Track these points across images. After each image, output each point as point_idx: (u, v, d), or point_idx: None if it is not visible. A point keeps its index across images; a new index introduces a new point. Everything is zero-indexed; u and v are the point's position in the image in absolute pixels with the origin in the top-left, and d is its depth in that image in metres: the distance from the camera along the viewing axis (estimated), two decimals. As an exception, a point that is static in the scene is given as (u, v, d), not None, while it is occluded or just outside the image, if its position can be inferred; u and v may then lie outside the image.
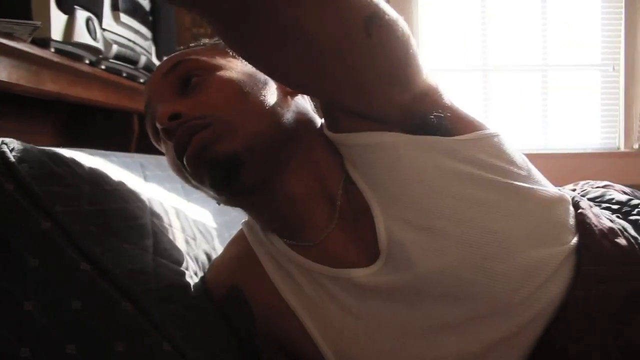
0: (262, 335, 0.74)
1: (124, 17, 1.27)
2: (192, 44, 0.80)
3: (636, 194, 1.36)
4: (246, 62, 0.67)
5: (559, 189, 0.79)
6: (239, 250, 0.80)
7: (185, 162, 0.67)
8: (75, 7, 1.03)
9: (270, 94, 0.71)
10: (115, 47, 1.20)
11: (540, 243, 0.63)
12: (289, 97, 0.74)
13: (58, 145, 0.80)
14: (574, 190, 1.04)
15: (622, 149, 2.56)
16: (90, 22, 1.07)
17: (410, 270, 0.63)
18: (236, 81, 0.70)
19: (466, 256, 0.61)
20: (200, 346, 0.66)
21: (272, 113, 0.70)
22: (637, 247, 0.66)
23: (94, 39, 1.07)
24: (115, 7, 1.24)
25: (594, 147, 2.57)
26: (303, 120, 0.74)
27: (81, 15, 1.04)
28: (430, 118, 0.66)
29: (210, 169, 0.66)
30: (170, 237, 0.85)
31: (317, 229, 0.71)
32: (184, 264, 0.81)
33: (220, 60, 0.73)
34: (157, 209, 0.88)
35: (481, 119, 0.74)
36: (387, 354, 0.66)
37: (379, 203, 0.66)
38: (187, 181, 0.73)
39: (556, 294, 0.62)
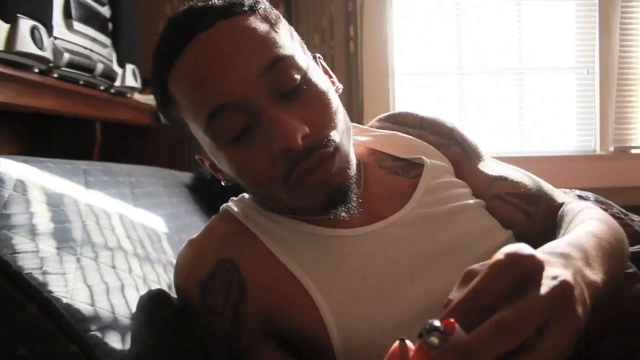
0: (251, 312, 0.73)
1: (77, 25, 1.26)
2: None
3: (600, 199, 1.36)
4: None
5: None
6: (229, 229, 0.80)
7: (297, 180, 0.69)
8: (19, 15, 1.02)
9: (337, 99, 0.75)
10: (67, 56, 1.19)
11: None
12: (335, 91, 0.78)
13: (18, 154, 0.80)
14: None
15: (598, 151, 2.57)
16: (35, 31, 1.06)
17: None
18: (328, 94, 0.72)
19: None
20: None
21: (349, 130, 0.76)
22: None
23: (40, 48, 1.06)
24: (68, 15, 1.23)
25: (570, 150, 2.57)
26: (348, 120, 0.78)
27: (25, 24, 1.04)
28: None
29: (331, 193, 0.71)
30: (112, 240, 0.86)
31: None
32: (124, 265, 0.82)
33: (301, 55, 0.72)
34: (97, 213, 0.88)
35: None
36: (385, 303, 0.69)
37: None
38: (277, 185, 0.71)
39: None
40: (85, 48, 1.32)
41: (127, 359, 0.66)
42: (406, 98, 2.50)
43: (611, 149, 2.55)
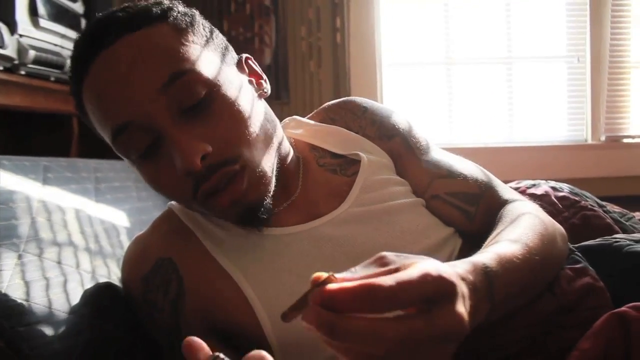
0: (190, 309, 0.75)
1: (44, 22, 1.28)
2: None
3: (575, 190, 1.34)
4: (217, 56, 0.72)
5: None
6: (170, 227, 0.81)
7: (204, 199, 0.69)
8: (-23, 14, 1.03)
9: (257, 106, 0.74)
10: (32, 53, 1.20)
11: None
12: (260, 97, 0.77)
13: None
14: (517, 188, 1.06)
15: (590, 141, 2.55)
16: (-5, 29, 1.07)
17: None
18: (240, 106, 0.70)
19: None
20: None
21: (271, 138, 0.75)
22: None
23: (1, 46, 1.08)
24: (33, 13, 1.24)
25: (561, 140, 2.55)
26: (272, 127, 0.77)
27: (-16, 22, 1.05)
28: None
29: (242, 213, 0.71)
30: (62, 235, 0.88)
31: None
32: (71, 261, 0.84)
33: (211, 66, 0.70)
34: (50, 209, 0.90)
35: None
36: None
37: None
38: (188, 202, 0.72)
39: None
40: (55, 45, 1.33)
41: (56, 353, 0.68)
42: (394, 89, 2.49)
43: (603, 138, 2.52)
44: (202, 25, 0.73)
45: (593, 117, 2.53)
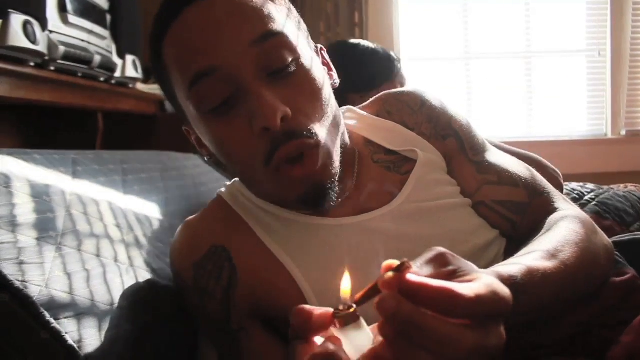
0: (240, 295, 0.76)
1: (73, 19, 1.29)
2: None
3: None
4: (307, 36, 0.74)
5: None
6: (222, 215, 0.82)
7: (279, 169, 0.68)
8: (10, 11, 1.04)
9: (331, 92, 0.75)
10: (62, 49, 1.22)
11: None
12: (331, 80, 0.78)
13: (22, 146, 0.82)
14: None
15: (609, 135, 2.53)
16: (28, 26, 1.09)
17: None
18: (320, 84, 0.71)
19: None
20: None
21: (339, 125, 0.75)
22: None
23: (33, 42, 1.09)
24: (63, 9, 1.25)
25: (580, 134, 2.54)
26: (339, 115, 0.77)
27: (17, 19, 1.06)
28: None
29: (309, 191, 0.70)
30: (98, 228, 0.89)
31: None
32: (109, 253, 0.85)
33: (299, 39, 0.71)
34: (84, 202, 0.91)
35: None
36: None
37: None
38: (256, 167, 0.70)
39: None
40: (82, 40, 1.35)
41: (99, 345, 0.69)
42: (412, 84, 2.49)
43: (623, 132, 2.51)
44: (294, 10, 0.76)
45: (613, 112, 2.51)
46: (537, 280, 0.55)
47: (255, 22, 0.67)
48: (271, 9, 0.69)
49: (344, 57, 1.91)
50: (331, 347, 0.41)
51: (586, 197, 1.31)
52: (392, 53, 1.76)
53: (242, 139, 0.68)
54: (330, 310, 0.44)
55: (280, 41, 0.67)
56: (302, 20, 0.77)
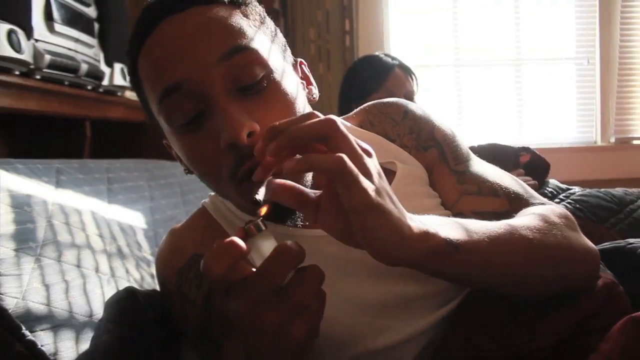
0: (220, 302, 0.76)
1: (59, 27, 1.29)
2: None
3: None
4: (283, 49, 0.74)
5: None
6: (204, 224, 0.83)
7: (243, 183, 0.67)
8: (-6, 20, 1.04)
9: (307, 107, 0.76)
10: (48, 57, 1.22)
11: None
12: (308, 101, 0.79)
13: (8, 155, 0.82)
14: None
15: (599, 142, 2.54)
16: (12, 35, 1.09)
17: None
18: (293, 101, 0.71)
19: None
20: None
21: None
22: None
23: (18, 51, 1.09)
24: (49, 18, 1.25)
25: (570, 142, 2.55)
26: None
27: (1, 28, 1.06)
28: None
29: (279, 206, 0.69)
30: (80, 238, 0.89)
31: None
32: (89, 263, 0.85)
33: (271, 53, 0.71)
34: (66, 212, 0.91)
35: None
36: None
37: None
38: (223, 180, 0.70)
39: None
40: (69, 49, 1.35)
41: (75, 357, 0.68)
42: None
43: (612, 140, 2.52)
44: (270, 23, 0.76)
45: (602, 119, 2.52)
46: (474, 227, 0.59)
47: (225, 37, 0.67)
48: (242, 24, 0.69)
49: (348, 68, 1.94)
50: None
51: (560, 196, 1.32)
52: (385, 60, 1.78)
53: (211, 154, 0.68)
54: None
55: (250, 56, 0.67)
56: (279, 33, 0.77)
